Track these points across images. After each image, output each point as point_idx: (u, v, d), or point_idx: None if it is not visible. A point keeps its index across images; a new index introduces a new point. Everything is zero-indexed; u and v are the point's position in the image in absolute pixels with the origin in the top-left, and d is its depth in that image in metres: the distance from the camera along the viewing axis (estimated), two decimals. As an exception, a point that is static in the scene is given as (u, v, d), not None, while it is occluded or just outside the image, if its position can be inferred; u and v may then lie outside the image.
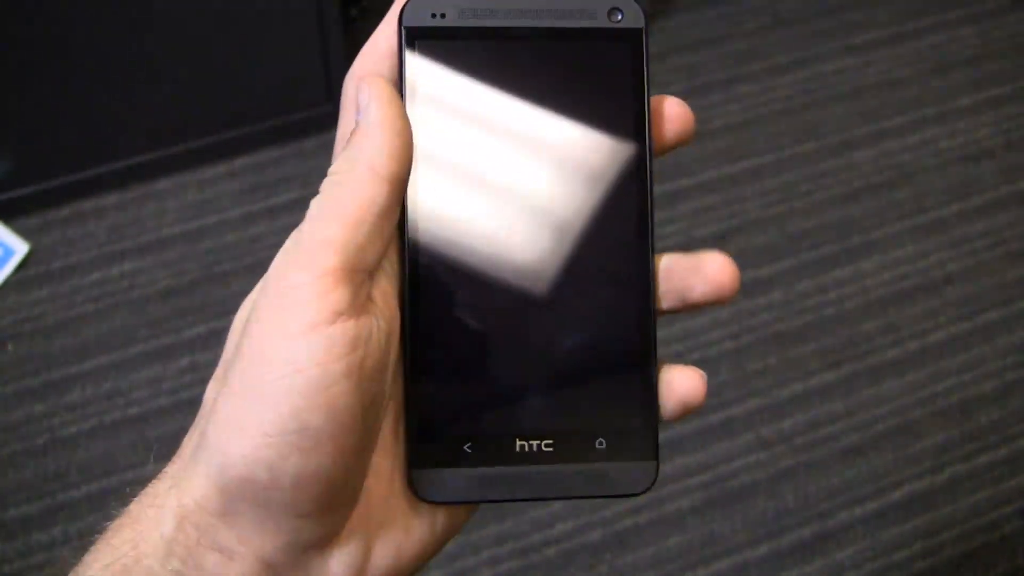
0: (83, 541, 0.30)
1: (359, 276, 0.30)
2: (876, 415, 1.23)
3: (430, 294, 0.30)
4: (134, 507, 0.30)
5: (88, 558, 0.31)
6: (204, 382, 1.22)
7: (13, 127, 1.29)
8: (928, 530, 1.15)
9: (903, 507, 1.17)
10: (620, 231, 0.32)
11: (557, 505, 1.16)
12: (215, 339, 1.27)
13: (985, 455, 1.20)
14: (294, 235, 0.31)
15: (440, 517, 0.32)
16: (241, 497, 0.28)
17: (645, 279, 0.32)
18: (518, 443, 0.30)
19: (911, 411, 1.24)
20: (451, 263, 0.31)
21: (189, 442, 0.31)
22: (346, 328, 0.28)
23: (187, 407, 1.22)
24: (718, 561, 1.13)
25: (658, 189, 1.41)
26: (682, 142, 0.35)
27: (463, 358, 0.30)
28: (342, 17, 1.37)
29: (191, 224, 1.37)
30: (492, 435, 0.30)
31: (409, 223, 0.32)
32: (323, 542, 0.29)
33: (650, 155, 0.32)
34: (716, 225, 1.38)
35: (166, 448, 1.15)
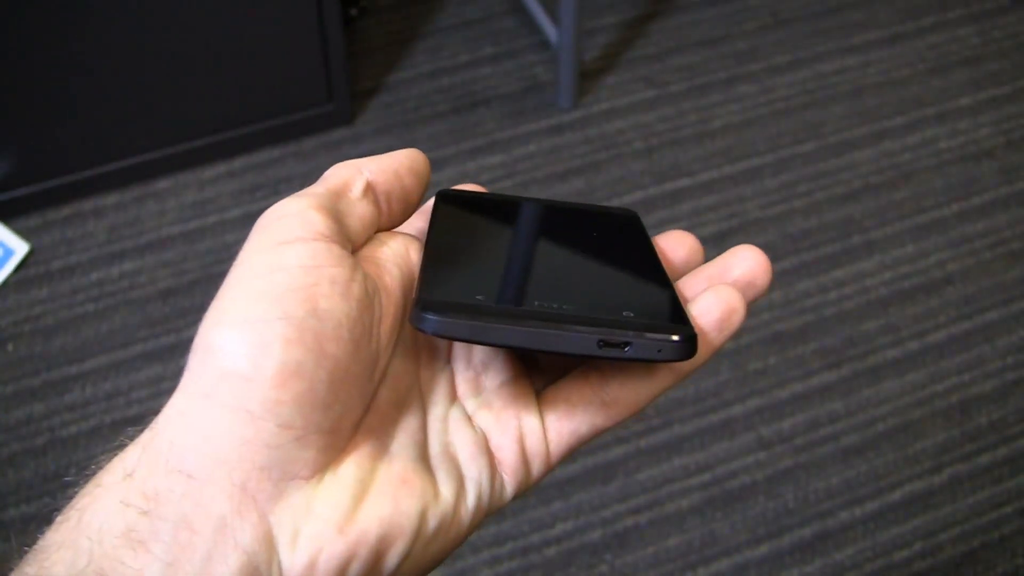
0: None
1: (341, 227, 0.31)
2: (876, 415, 1.23)
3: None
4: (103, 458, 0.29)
5: (58, 517, 0.28)
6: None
7: (13, 127, 1.30)
8: (928, 530, 1.15)
9: (903, 507, 1.17)
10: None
11: (557, 505, 1.16)
12: (215, 339, 1.27)
13: (985, 455, 1.20)
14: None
15: (444, 482, 0.30)
16: (221, 400, 0.26)
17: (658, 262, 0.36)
18: (536, 302, 0.30)
19: (911, 411, 1.24)
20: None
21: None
22: (332, 247, 0.29)
23: (187, 407, 1.22)
24: (718, 561, 1.13)
25: (658, 189, 1.42)
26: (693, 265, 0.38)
27: (485, 242, 0.34)
28: (342, 17, 1.37)
29: (191, 224, 1.37)
30: (507, 291, 0.32)
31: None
32: (308, 473, 0.27)
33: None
34: (716, 225, 1.38)
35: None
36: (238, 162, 1.42)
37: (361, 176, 0.33)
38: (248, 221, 1.36)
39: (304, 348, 0.27)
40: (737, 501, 1.17)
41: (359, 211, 0.32)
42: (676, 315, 0.31)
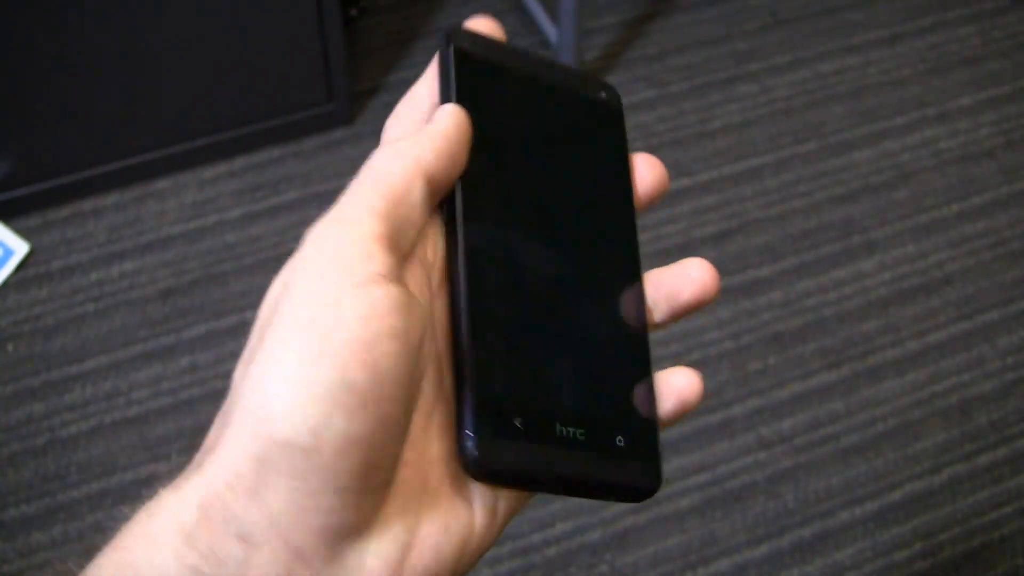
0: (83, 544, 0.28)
1: (399, 251, 0.30)
2: (876, 415, 1.23)
3: (486, 277, 0.32)
4: (151, 503, 0.28)
5: (100, 559, 0.27)
6: (204, 382, 1.23)
7: (13, 127, 1.29)
8: (928, 530, 1.15)
9: (903, 507, 1.17)
10: (615, 256, 0.37)
11: (557, 505, 1.16)
12: (215, 339, 1.27)
13: (985, 455, 1.20)
14: (332, 211, 0.30)
15: (479, 511, 0.31)
16: (277, 467, 0.26)
17: (640, 296, 0.36)
18: (558, 427, 0.31)
19: (911, 411, 1.24)
20: (500, 254, 0.33)
21: (214, 432, 0.29)
22: (390, 291, 0.28)
23: (187, 407, 1.22)
24: (718, 561, 1.13)
25: (658, 189, 1.42)
26: (657, 197, 0.39)
27: (514, 341, 0.32)
28: (342, 17, 1.37)
29: (191, 224, 1.37)
30: (539, 415, 0.32)
31: (463, 209, 0.33)
32: (358, 529, 0.27)
33: (633, 196, 0.38)
34: (716, 225, 1.38)
35: (167, 448, 1.14)
36: (238, 162, 1.42)
37: (421, 178, 0.31)
38: (248, 221, 1.36)
39: (366, 417, 0.27)
40: (737, 501, 1.17)
41: (416, 218, 0.31)
42: (652, 454, 0.33)
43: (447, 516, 0.30)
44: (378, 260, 0.28)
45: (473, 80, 0.35)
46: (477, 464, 0.30)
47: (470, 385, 0.30)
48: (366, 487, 0.27)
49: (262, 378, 0.27)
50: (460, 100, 0.34)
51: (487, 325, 0.31)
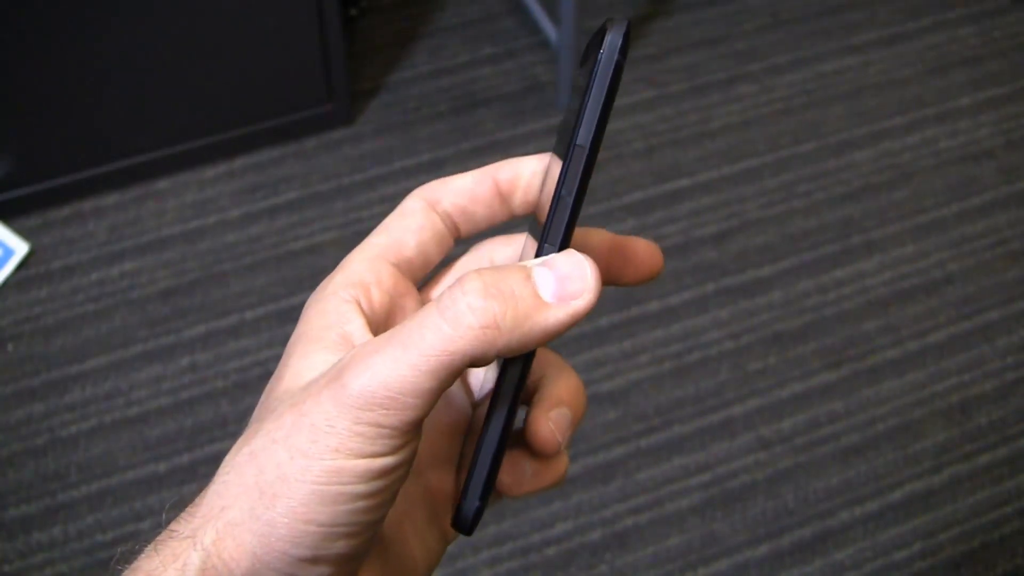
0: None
1: (408, 426, 0.29)
2: (876, 415, 1.23)
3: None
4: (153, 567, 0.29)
5: None
6: (204, 382, 1.23)
7: (13, 127, 1.30)
8: (928, 530, 1.15)
9: (903, 507, 1.17)
10: None
11: (557, 505, 1.16)
12: (215, 339, 1.27)
13: (985, 455, 1.20)
14: (348, 357, 0.30)
15: (432, 546, 0.33)
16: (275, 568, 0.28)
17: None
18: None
19: (911, 411, 1.24)
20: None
21: (207, 501, 0.30)
22: (376, 463, 0.28)
23: (187, 407, 1.22)
24: (718, 561, 1.13)
25: (658, 189, 1.42)
26: (649, 278, 0.36)
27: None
28: (342, 17, 1.37)
29: (191, 224, 1.37)
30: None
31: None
32: None
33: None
34: (716, 225, 1.38)
35: (167, 448, 1.14)
36: (238, 162, 1.42)
37: (450, 374, 0.29)
38: (248, 221, 1.36)
39: (363, 540, 0.29)
40: (737, 501, 1.17)
41: (443, 388, 0.29)
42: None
43: (409, 567, 0.33)
44: (372, 445, 0.28)
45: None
46: (474, 524, 0.32)
47: (487, 473, 0.32)
48: None
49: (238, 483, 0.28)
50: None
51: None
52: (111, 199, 1.38)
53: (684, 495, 1.17)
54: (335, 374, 0.28)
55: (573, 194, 0.30)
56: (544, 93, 1.52)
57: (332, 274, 0.33)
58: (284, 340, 1.24)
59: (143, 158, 1.38)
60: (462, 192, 0.34)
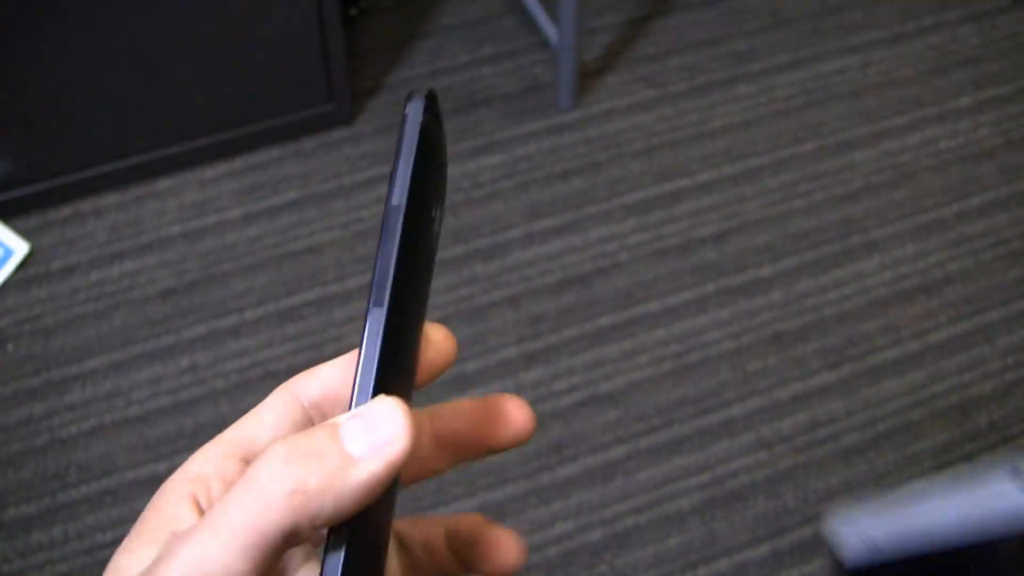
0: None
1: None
2: (876, 415, 1.23)
3: None
4: None
5: None
6: (204, 382, 1.23)
7: (13, 127, 1.30)
8: (928, 530, 1.15)
9: (903, 507, 1.17)
10: None
11: (557, 505, 1.16)
12: (215, 339, 1.27)
13: (985, 455, 1.20)
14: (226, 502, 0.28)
15: None
16: None
17: None
18: None
19: (911, 411, 1.24)
20: None
21: None
22: None
23: (187, 407, 1.22)
24: (718, 561, 1.13)
25: (658, 189, 1.42)
26: (520, 439, 0.33)
27: None
28: (342, 17, 1.37)
29: (191, 224, 1.37)
30: None
31: None
32: None
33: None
34: (716, 225, 1.38)
35: (167, 448, 1.14)
36: (238, 162, 1.42)
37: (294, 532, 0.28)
38: (248, 221, 1.36)
39: None
40: (737, 501, 1.17)
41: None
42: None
43: None
44: None
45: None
46: None
47: None
48: None
49: None
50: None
51: None
52: (111, 199, 1.39)
53: (684, 495, 1.17)
54: (151, 567, 0.26)
55: (385, 307, 0.26)
56: (544, 93, 1.52)
57: (184, 464, 0.31)
58: (284, 340, 1.25)
59: (143, 158, 1.38)
60: (329, 380, 0.31)
